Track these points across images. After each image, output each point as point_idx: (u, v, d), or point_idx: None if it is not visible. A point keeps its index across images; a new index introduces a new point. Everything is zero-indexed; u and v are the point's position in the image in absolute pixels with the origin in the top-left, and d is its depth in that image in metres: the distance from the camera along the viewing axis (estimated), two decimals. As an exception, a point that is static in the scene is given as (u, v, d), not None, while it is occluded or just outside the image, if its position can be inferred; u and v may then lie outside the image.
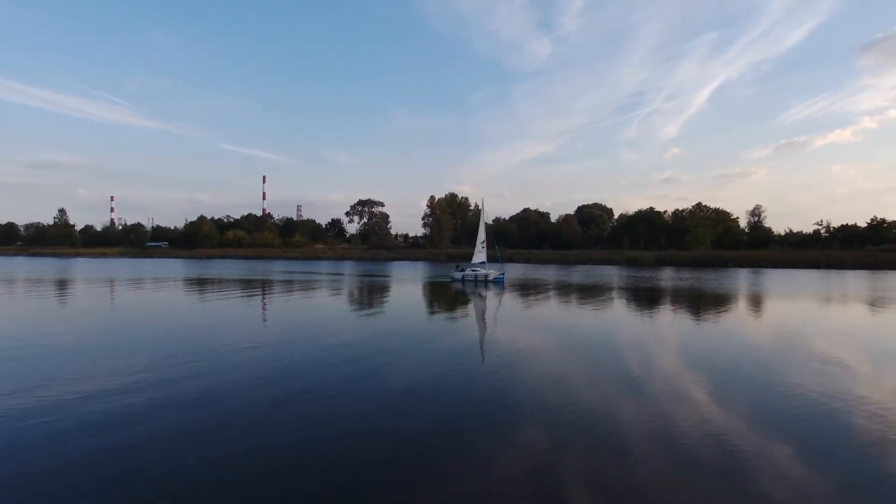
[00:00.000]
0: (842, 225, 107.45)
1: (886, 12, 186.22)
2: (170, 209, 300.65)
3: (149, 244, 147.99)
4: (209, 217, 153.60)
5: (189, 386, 10.07)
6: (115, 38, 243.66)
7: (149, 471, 6.32)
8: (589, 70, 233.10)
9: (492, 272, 41.68)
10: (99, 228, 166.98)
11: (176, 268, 65.54)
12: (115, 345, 14.76)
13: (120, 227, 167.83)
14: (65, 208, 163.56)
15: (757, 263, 77.74)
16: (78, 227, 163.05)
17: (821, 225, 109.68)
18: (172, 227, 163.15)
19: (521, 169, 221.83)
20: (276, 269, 64.41)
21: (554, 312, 23.44)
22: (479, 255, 43.76)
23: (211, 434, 7.59)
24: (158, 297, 29.19)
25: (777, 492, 5.90)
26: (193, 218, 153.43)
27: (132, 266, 70.68)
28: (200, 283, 39.37)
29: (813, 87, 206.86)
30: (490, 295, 30.87)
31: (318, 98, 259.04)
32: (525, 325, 19.75)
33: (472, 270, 42.30)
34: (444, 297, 31.10)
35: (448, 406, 9.09)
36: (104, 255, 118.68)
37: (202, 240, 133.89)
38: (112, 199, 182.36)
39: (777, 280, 47.22)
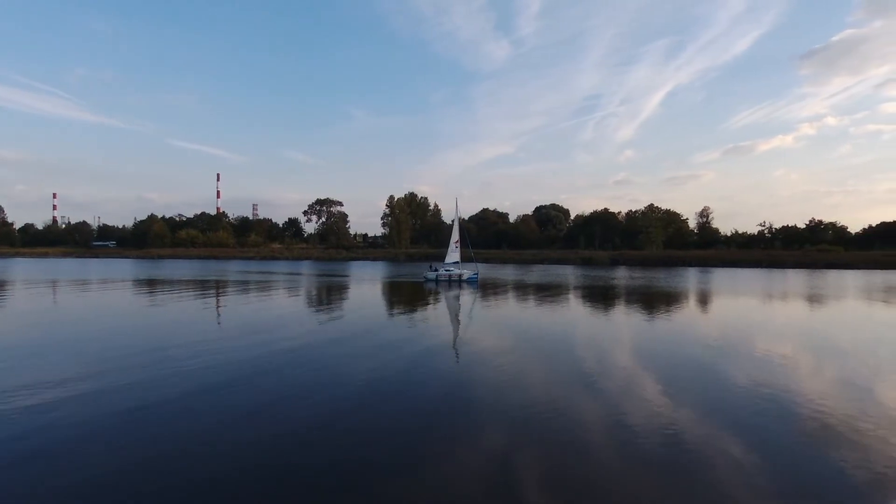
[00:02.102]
0: (783, 226, 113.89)
1: (825, 24, 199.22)
2: (117, 207, 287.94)
3: (95, 244, 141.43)
4: (160, 216, 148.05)
5: (132, 395, 9.74)
6: (54, 28, 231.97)
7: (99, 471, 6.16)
8: (546, 73, 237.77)
9: (465, 272, 41.57)
10: (40, 227, 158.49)
11: (123, 268, 62.77)
12: (45, 352, 14.03)
13: (63, 226, 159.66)
14: (2, 206, 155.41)
15: (705, 263, 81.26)
16: (17, 226, 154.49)
17: (764, 226, 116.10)
18: (121, 226, 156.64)
19: (481, 169, 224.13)
20: (232, 269, 62.71)
21: (516, 312, 23.78)
22: (453, 254, 43.55)
23: (168, 433, 7.38)
24: (97, 300, 27.96)
25: (726, 482, 6.21)
26: (143, 217, 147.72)
27: (76, 267, 67.34)
28: (149, 285, 37.74)
29: (757, 93, 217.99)
30: (462, 295, 30.93)
31: (275, 95, 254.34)
32: (491, 324, 19.96)
33: (446, 270, 42.01)
34: (415, 297, 30.86)
35: (414, 405, 9.14)
36: (46, 255, 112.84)
37: (153, 239, 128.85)
38: (55, 196, 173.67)
39: (724, 278, 49.53)
